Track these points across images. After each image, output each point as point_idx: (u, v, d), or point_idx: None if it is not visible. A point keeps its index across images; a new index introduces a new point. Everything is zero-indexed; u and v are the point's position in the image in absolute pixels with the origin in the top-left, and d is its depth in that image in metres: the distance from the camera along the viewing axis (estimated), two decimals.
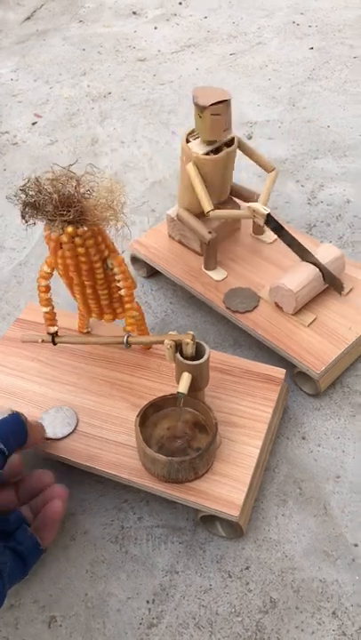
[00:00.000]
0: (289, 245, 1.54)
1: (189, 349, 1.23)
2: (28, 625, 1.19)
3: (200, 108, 1.42)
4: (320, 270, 1.53)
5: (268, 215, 1.50)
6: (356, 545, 1.28)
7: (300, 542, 1.28)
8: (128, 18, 3.15)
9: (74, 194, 1.10)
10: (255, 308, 1.58)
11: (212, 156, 1.49)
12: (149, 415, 1.30)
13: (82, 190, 1.11)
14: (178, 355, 1.24)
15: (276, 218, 1.50)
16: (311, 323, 1.53)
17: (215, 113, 1.42)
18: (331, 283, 1.56)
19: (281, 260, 1.68)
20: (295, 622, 1.18)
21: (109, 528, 1.32)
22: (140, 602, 1.22)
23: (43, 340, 1.38)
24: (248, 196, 1.68)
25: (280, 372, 1.43)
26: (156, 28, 3.05)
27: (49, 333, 1.37)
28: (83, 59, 2.85)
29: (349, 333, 1.50)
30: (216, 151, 1.51)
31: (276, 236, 1.69)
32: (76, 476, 1.40)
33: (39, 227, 2.00)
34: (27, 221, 1.15)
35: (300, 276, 1.52)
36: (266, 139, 2.31)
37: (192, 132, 1.53)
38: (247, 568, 1.25)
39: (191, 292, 1.67)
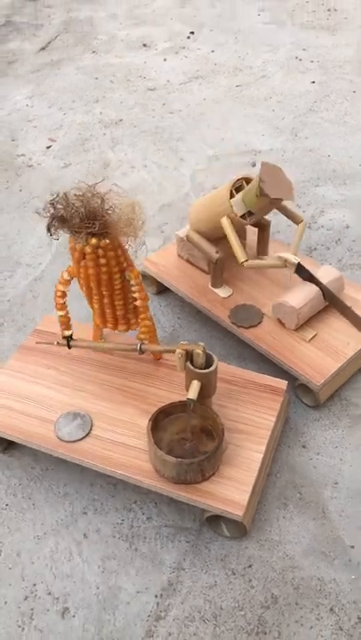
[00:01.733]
0: (320, 288, 1.64)
1: (200, 359, 1.32)
2: (43, 615, 1.26)
3: (262, 193, 1.50)
4: (321, 290, 1.64)
5: (299, 264, 1.61)
6: (352, 546, 1.35)
7: (300, 543, 1.36)
8: (139, 50, 3.31)
9: (99, 208, 1.21)
10: (259, 323, 1.67)
11: (247, 222, 1.60)
12: (160, 420, 1.38)
13: (106, 206, 1.23)
14: (188, 363, 1.33)
15: (306, 267, 1.62)
16: (312, 338, 1.63)
17: (273, 203, 1.54)
18: (331, 302, 1.66)
19: (283, 279, 1.78)
20: (295, 617, 1.26)
21: (120, 527, 1.39)
22: (149, 596, 1.29)
23: (58, 343, 1.46)
24: (261, 223, 1.78)
25: (282, 384, 1.52)
26: (165, 59, 3.20)
27: (64, 337, 1.46)
28: (95, 87, 2.99)
29: (348, 348, 1.60)
30: (250, 213, 1.61)
31: None
32: (88, 477, 1.48)
33: (54, 244, 2.10)
34: (52, 234, 1.25)
35: (301, 295, 1.62)
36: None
37: (239, 187, 1.61)
38: (250, 566, 1.33)
39: (198, 308, 1.76)
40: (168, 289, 1.86)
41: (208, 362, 1.34)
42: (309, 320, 1.66)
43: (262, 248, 1.84)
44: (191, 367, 1.33)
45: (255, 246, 1.84)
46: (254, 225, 1.80)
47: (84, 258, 1.27)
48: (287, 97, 2.86)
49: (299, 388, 1.62)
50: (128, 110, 2.82)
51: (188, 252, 1.83)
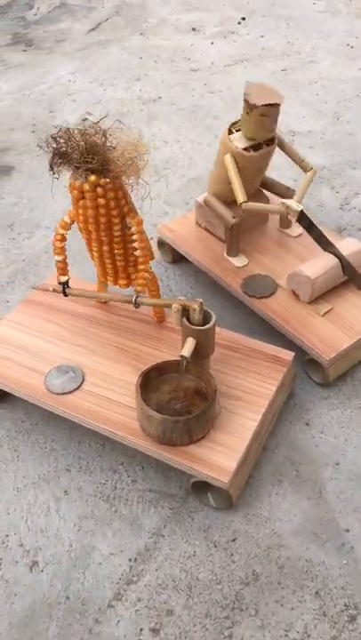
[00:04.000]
0: (317, 242, 1.55)
1: (197, 316, 1.25)
2: (11, 566, 1.21)
3: (249, 106, 1.44)
4: (340, 262, 1.54)
5: (302, 212, 1.52)
6: (347, 530, 1.25)
7: (291, 521, 1.26)
8: (187, 33, 3.27)
9: (100, 144, 1.16)
10: (272, 294, 1.58)
11: (251, 153, 1.52)
12: (152, 378, 1.32)
13: (108, 143, 1.18)
14: (184, 319, 1.26)
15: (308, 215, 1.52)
16: (327, 312, 1.53)
17: (264, 114, 1.45)
18: (351, 276, 1.56)
19: (305, 253, 1.68)
20: (275, 597, 1.16)
21: (102, 487, 1.33)
22: (123, 559, 1.22)
23: (54, 290, 1.41)
24: (281, 191, 1.71)
25: (288, 354, 1.43)
26: (212, 43, 3.15)
27: (60, 282, 1.40)
28: (139, 66, 2.97)
29: None
30: (256, 147, 1.54)
31: (301, 230, 1.71)
32: (77, 435, 1.42)
33: None
34: (54, 172, 1.21)
35: (318, 265, 1.52)
36: (306, 147, 2.34)
37: (236, 122, 1.55)
38: (234, 540, 1.24)
39: (211, 277, 1.69)
40: (184, 259, 1.80)
41: (206, 319, 1.27)
42: (326, 294, 1.56)
43: (285, 221, 1.75)
44: (187, 323, 1.26)
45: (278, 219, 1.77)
46: (277, 193, 1.72)
47: (83, 197, 1.22)
48: (333, 82, 2.76)
49: (309, 365, 1.52)
50: (168, 89, 2.78)
51: (206, 219, 1.76)
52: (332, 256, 1.54)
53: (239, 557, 1.22)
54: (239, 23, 3.34)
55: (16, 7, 3.64)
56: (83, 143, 1.16)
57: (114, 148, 1.18)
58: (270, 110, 1.46)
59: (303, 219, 1.52)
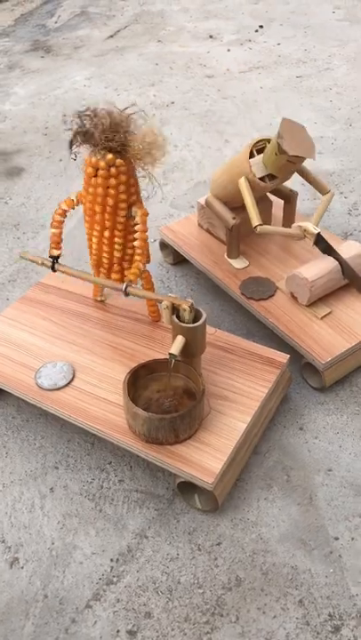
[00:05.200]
0: (340, 263, 1.52)
1: (186, 316, 1.23)
2: None
3: (280, 150, 1.41)
4: (341, 265, 1.51)
5: (318, 235, 1.50)
6: (336, 538, 1.21)
7: (278, 527, 1.23)
8: (204, 40, 3.28)
9: (123, 124, 1.20)
10: (270, 297, 1.56)
11: (267, 184, 1.50)
12: (142, 376, 1.30)
13: (131, 126, 1.21)
14: (174, 317, 1.25)
15: (325, 239, 1.50)
16: (325, 316, 1.50)
17: (292, 161, 1.44)
18: (351, 279, 1.53)
19: (307, 257, 1.65)
20: (258, 604, 1.13)
21: (88, 486, 1.31)
22: (104, 559, 1.20)
23: (43, 263, 1.37)
24: (285, 193, 1.69)
25: (283, 357, 1.40)
26: (229, 50, 3.15)
27: (50, 256, 1.37)
28: (154, 72, 2.98)
29: None
30: (272, 176, 1.51)
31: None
32: (67, 433, 1.41)
33: (78, 212, 2.07)
34: (72, 151, 1.23)
35: (317, 267, 1.50)
36: (316, 153, 2.31)
37: (259, 141, 1.52)
38: (218, 544, 1.21)
39: (211, 279, 1.67)
40: (186, 260, 1.78)
41: (196, 318, 1.25)
42: (325, 297, 1.53)
43: (288, 222, 1.73)
44: (176, 321, 1.24)
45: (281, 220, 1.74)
46: (280, 196, 1.70)
47: (96, 175, 1.24)
48: (348, 89, 2.74)
49: (305, 369, 1.49)
50: (182, 95, 2.78)
51: (208, 220, 1.74)
52: (332, 259, 1.51)
53: (223, 562, 1.18)
54: (256, 31, 3.34)
55: (37, 15, 3.70)
56: (107, 120, 1.19)
57: (135, 133, 1.21)
58: (299, 160, 1.44)
59: (320, 241, 1.50)
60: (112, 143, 1.20)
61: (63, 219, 1.35)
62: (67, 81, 2.95)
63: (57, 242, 1.37)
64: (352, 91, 2.72)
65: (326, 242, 1.50)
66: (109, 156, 1.22)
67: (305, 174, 1.57)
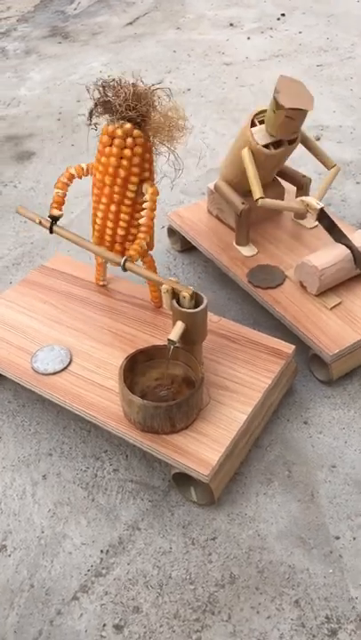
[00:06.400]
0: (338, 242, 1.46)
1: (186, 303, 1.18)
2: None
3: (277, 105, 1.36)
4: (353, 254, 1.44)
5: (322, 210, 1.44)
6: (337, 537, 1.15)
7: (277, 524, 1.18)
8: (224, 28, 3.21)
9: (146, 97, 1.17)
10: (279, 285, 1.50)
11: (271, 151, 1.44)
12: (140, 362, 1.25)
13: (154, 99, 1.17)
14: (174, 302, 1.20)
15: (329, 214, 1.44)
16: (335, 306, 1.44)
17: (290, 116, 1.38)
18: None
19: (319, 246, 1.59)
20: (252, 603, 1.07)
21: (82, 474, 1.27)
22: (94, 550, 1.15)
23: (40, 222, 1.31)
24: (296, 179, 1.63)
25: (288, 347, 1.34)
26: (249, 38, 3.09)
27: (50, 216, 1.30)
28: (171, 59, 2.93)
29: None
30: (277, 144, 1.46)
31: (316, 222, 1.62)
32: (63, 420, 1.37)
33: (87, 199, 2.03)
34: (91, 122, 1.20)
35: (328, 256, 1.43)
36: (334, 142, 2.25)
37: (260, 113, 1.47)
38: (213, 539, 1.16)
39: (218, 266, 1.62)
40: (194, 248, 1.73)
41: (197, 303, 1.20)
42: (336, 287, 1.47)
43: (301, 213, 1.66)
44: (176, 305, 1.19)
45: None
46: (293, 182, 1.64)
47: (111, 145, 1.20)
48: None
49: (313, 361, 1.43)
50: (199, 82, 2.72)
51: (218, 206, 1.69)
52: (344, 247, 1.45)
53: (217, 557, 1.13)
54: (278, 19, 3.27)
55: (57, 1, 3.66)
56: (130, 90, 1.16)
57: (157, 107, 1.18)
58: (297, 114, 1.38)
59: (323, 217, 1.44)
60: (132, 113, 1.16)
61: (69, 182, 1.30)
62: (83, 67, 2.91)
63: (59, 202, 1.30)
64: None
65: (330, 218, 1.43)
66: (127, 125, 1.18)
67: (310, 146, 1.51)
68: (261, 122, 1.46)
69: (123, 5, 3.56)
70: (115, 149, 1.20)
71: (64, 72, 2.87)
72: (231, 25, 3.25)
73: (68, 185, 1.31)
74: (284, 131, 1.42)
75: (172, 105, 1.19)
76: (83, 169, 1.29)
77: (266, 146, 1.44)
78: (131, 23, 3.36)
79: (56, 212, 1.30)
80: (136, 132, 1.18)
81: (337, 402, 1.39)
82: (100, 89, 1.18)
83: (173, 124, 1.19)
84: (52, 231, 1.30)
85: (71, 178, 1.30)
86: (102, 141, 1.22)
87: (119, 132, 1.18)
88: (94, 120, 1.21)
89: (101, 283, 1.51)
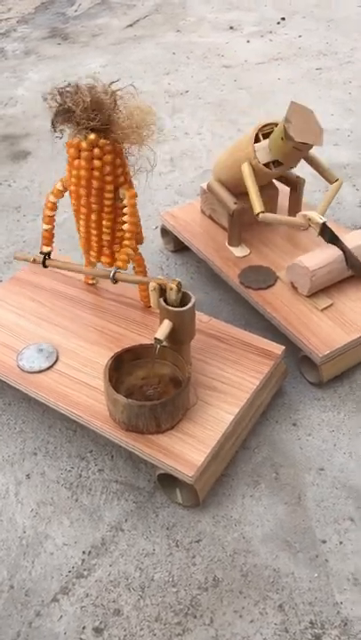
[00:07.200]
0: (344, 253, 1.45)
1: (173, 295, 1.17)
2: None
3: (287, 135, 1.34)
4: (345, 255, 1.43)
5: (324, 225, 1.42)
6: (323, 541, 1.13)
7: (263, 527, 1.16)
8: (224, 31, 3.21)
9: (106, 102, 1.11)
10: (270, 286, 1.49)
11: (271, 171, 1.44)
12: (126, 361, 1.24)
13: (115, 103, 1.12)
14: (161, 300, 1.18)
15: (331, 228, 1.43)
16: (326, 308, 1.42)
17: (298, 148, 1.37)
18: (355, 270, 1.45)
19: (312, 247, 1.57)
20: (235, 607, 1.05)
21: (67, 474, 1.25)
22: (76, 551, 1.13)
23: (34, 260, 1.34)
24: (291, 180, 1.61)
25: (278, 348, 1.32)
26: (248, 41, 3.09)
27: (42, 252, 1.33)
28: (170, 61, 2.92)
29: None
30: (277, 163, 1.44)
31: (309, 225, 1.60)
32: (48, 419, 1.35)
33: None
34: (55, 130, 1.15)
35: (319, 257, 1.42)
36: (331, 145, 2.23)
37: (266, 126, 1.45)
38: (198, 541, 1.14)
39: (210, 266, 1.60)
40: (187, 249, 1.71)
41: (184, 301, 1.19)
42: (328, 288, 1.46)
43: (294, 211, 1.65)
44: (164, 304, 1.17)
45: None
46: (286, 183, 1.63)
47: (79, 157, 1.17)
48: None
49: (303, 362, 1.41)
50: (197, 84, 2.72)
51: (211, 206, 1.67)
52: (335, 248, 1.43)
53: (201, 560, 1.11)
54: (278, 23, 3.27)
55: (58, 3, 3.67)
56: (88, 99, 1.10)
57: (120, 110, 1.12)
58: (306, 147, 1.37)
59: (326, 231, 1.43)
60: (95, 122, 1.11)
61: (54, 212, 1.30)
62: (81, 68, 2.91)
63: (48, 238, 1.33)
64: None
65: (332, 232, 1.42)
66: (92, 135, 1.13)
67: (313, 162, 1.50)
68: (265, 135, 1.44)
69: (124, 8, 3.56)
70: (83, 162, 1.16)
71: (62, 73, 2.87)
72: (231, 28, 3.25)
73: (54, 217, 1.31)
74: (289, 160, 1.42)
75: (137, 104, 1.13)
76: (60, 190, 1.27)
77: (267, 164, 1.43)
78: (131, 25, 3.36)
79: (46, 249, 1.34)
80: (102, 141, 1.14)
81: (327, 404, 1.37)
82: (58, 97, 1.12)
83: (141, 125, 1.14)
84: (45, 265, 1.34)
85: (54, 207, 1.29)
86: (70, 154, 1.18)
87: (84, 144, 1.14)
88: (59, 128, 1.15)
89: (91, 281, 1.49)
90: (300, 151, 1.39)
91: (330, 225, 1.46)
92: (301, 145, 1.35)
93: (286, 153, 1.39)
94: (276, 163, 1.44)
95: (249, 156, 1.43)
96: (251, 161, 1.43)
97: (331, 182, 1.52)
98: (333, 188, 1.51)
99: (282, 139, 1.36)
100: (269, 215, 1.43)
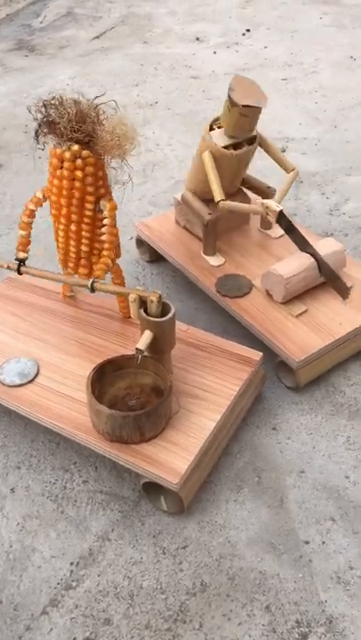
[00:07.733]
0: (296, 243, 1.49)
1: (154, 308, 1.19)
2: None
3: (231, 102, 1.39)
4: (317, 262, 1.47)
5: (281, 212, 1.46)
6: (306, 542, 1.16)
7: (247, 530, 1.18)
8: (191, 43, 3.25)
9: (90, 115, 1.14)
10: (246, 294, 1.52)
11: (231, 152, 1.47)
12: (108, 373, 1.25)
13: (99, 117, 1.15)
14: (142, 311, 1.20)
15: (287, 216, 1.46)
16: (301, 314, 1.46)
17: (244, 114, 1.41)
18: (328, 277, 1.49)
19: (285, 255, 1.61)
20: (223, 610, 1.08)
21: (51, 486, 1.26)
22: (64, 562, 1.14)
23: (8, 267, 1.33)
24: (262, 190, 1.65)
25: (256, 355, 1.35)
26: (215, 52, 3.13)
27: (17, 259, 1.33)
28: (139, 72, 2.95)
29: (339, 328, 1.42)
30: (236, 146, 1.49)
31: (282, 232, 1.64)
32: (31, 432, 1.36)
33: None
34: (38, 141, 1.19)
35: (293, 264, 1.46)
36: (300, 153, 2.29)
37: (218, 119, 1.51)
38: (184, 547, 1.16)
39: (186, 275, 1.63)
40: (162, 258, 1.74)
41: (165, 312, 1.21)
42: (302, 295, 1.49)
43: (265, 221, 1.69)
44: (144, 315, 1.19)
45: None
46: (257, 193, 1.66)
47: (61, 167, 1.19)
48: (334, 92, 2.72)
49: (280, 368, 1.45)
50: (166, 95, 2.75)
51: (185, 217, 1.70)
52: (308, 256, 1.47)
53: (188, 566, 1.13)
54: (243, 35, 3.32)
55: (23, 15, 3.67)
56: (73, 110, 1.13)
57: (103, 124, 1.16)
58: (251, 111, 1.41)
59: (282, 219, 1.46)
60: (78, 134, 1.15)
61: (32, 220, 1.31)
62: (49, 79, 2.91)
63: (24, 244, 1.33)
64: (337, 93, 2.70)
65: (289, 220, 1.45)
66: (75, 147, 1.17)
67: (269, 150, 1.54)
68: (220, 127, 1.49)
69: (90, 20, 3.58)
70: (65, 172, 1.19)
71: (30, 85, 2.87)
72: (198, 39, 3.29)
73: (31, 224, 1.31)
74: (240, 129, 1.45)
75: (119, 118, 1.17)
76: (40, 198, 1.28)
77: (226, 147, 1.46)
78: (98, 37, 3.38)
79: (21, 255, 1.33)
80: (85, 152, 1.17)
81: (304, 407, 1.40)
82: (43, 109, 1.16)
83: (122, 137, 1.17)
84: (20, 272, 1.33)
85: (32, 214, 1.30)
86: (52, 164, 1.21)
87: (67, 154, 1.17)
88: (42, 140, 1.19)
89: (69, 294, 1.50)
90: (248, 117, 1.41)
91: (298, 227, 1.50)
92: (247, 109, 1.39)
93: (235, 123, 1.42)
94: (235, 147, 1.47)
95: (207, 144, 1.47)
96: (210, 148, 1.46)
97: (287, 171, 1.56)
98: (289, 177, 1.55)
99: (228, 109, 1.40)
100: (229, 202, 1.46)
